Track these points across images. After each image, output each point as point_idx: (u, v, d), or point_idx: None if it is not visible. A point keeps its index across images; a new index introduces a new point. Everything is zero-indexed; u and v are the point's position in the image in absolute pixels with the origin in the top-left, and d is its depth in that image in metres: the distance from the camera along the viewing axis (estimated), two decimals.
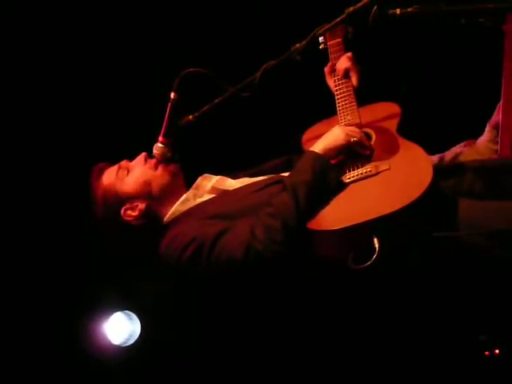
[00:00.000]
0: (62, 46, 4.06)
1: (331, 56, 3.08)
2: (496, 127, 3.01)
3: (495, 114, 3.05)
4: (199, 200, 2.80)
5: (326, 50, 3.09)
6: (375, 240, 2.31)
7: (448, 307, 3.66)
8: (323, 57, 3.09)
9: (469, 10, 2.50)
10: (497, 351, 3.93)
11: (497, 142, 3.01)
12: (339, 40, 3.08)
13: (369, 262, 2.29)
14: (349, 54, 3.01)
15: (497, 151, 3.00)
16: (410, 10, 2.43)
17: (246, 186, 2.79)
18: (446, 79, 3.93)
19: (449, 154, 3.08)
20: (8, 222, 4.15)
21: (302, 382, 4.40)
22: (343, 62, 2.99)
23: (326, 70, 3.09)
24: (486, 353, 3.96)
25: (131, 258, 3.83)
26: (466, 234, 2.40)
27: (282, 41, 2.73)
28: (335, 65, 3.04)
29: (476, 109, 3.56)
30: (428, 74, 3.91)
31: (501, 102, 2.96)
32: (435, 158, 3.03)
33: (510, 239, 2.37)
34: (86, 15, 4.03)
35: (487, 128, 3.11)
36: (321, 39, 3.05)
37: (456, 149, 3.12)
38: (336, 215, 2.41)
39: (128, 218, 2.80)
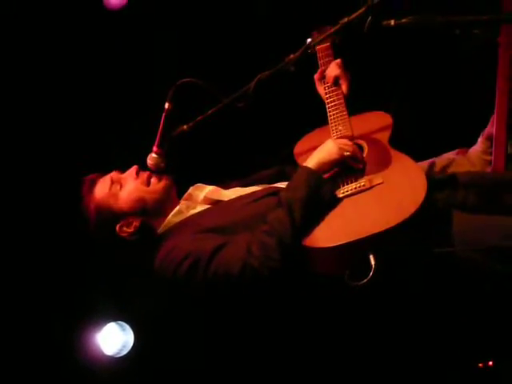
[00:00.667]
0: (54, 57, 4.06)
1: (320, 62, 3.07)
2: (489, 138, 3.01)
3: (489, 125, 3.05)
4: (192, 211, 2.80)
5: (314, 54, 3.07)
6: (371, 257, 2.30)
7: (443, 321, 3.65)
8: (316, 67, 3.09)
9: (463, 21, 2.50)
10: (490, 363, 3.92)
11: (489, 153, 3.00)
12: (328, 44, 3.07)
13: (365, 280, 2.29)
14: (338, 60, 3.01)
15: (490, 162, 2.99)
16: (404, 20, 2.43)
17: (240, 197, 2.79)
18: (440, 89, 3.94)
19: (440, 160, 3.06)
20: (1, 232, 4.14)
21: None
22: (333, 69, 2.99)
23: (316, 76, 3.08)
24: (480, 365, 3.95)
25: (124, 269, 3.82)
26: (462, 249, 2.39)
27: (276, 51, 2.73)
28: (325, 71, 3.03)
29: (469, 118, 3.57)
30: (422, 83, 3.91)
31: (494, 114, 2.95)
32: (425, 163, 3.02)
33: (504, 254, 2.37)
34: (78, 28, 4.04)
35: (480, 139, 3.10)
36: (308, 41, 3.03)
37: (448, 155, 3.11)
38: (331, 232, 2.40)
39: (123, 234, 2.79)
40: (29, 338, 4.20)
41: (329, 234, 2.39)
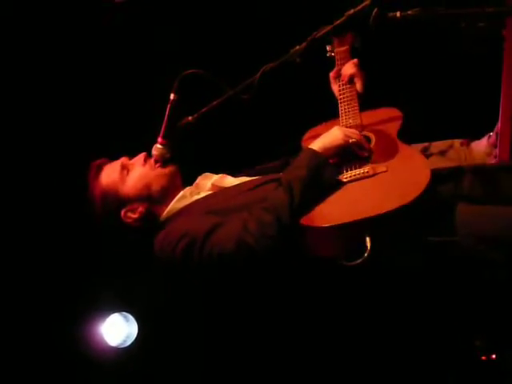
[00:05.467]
0: (61, 44, 4.05)
1: (337, 62, 3.12)
2: (495, 145, 2.98)
3: (494, 133, 3.02)
4: (196, 197, 2.82)
5: (332, 57, 3.12)
6: (367, 239, 2.31)
7: (443, 311, 3.65)
8: (323, 60, 3.10)
9: (469, 13, 2.50)
10: (493, 356, 3.92)
11: (493, 158, 2.98)
12: (347, 47, 3.11)
13: (359, 260, 2.31)
14: (355, 60, 3.05)
15: (495, 157, 2.98)
16: (410, 12, 2.45)
17: (242, 183, 2.81)
18: (445, 83, 3.94)
19: (438, 144, 3.05)
20: (5, 223, 4.14)
21: (297, 381, 4.39)
22: (348, 68, 3.02)
23: (332, 75, 3.12)
24: (483, 357, 3.95)
25: (128, 259, 3.83)
26: (462, 239, 2.40)
27: (281, 43, 2.73)
28: (340, 70, 3.06)
29: (473, 111, 3.57)
30: (427, 76, 3.91)
31: (499, 109, 2.94)
32: (419, 146, 3.01)
33: (506, 244, 2.37)
34: (84, 16, 4.03)
35: (486, 142, 3.07)
36: (328, 48, 3.11)
37: (447, 141, 3.10)
38: (330, 212, 2.42)
39: (128, 220, 2.81)
40: (33, 329, 4.21)
41: (327, 213, 2.41)
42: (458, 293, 2.81)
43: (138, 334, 4.48)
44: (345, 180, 2.51)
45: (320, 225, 2.39)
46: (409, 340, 4.06)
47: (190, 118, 2.88)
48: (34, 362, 4.21)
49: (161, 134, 2.83)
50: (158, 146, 2.83)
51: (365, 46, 3.06)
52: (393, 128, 2.75)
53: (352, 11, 2.53)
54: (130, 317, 4.50)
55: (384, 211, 2.32)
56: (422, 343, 4.04)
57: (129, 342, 4.48)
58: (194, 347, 4.43)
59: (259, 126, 4.19)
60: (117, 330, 4.46)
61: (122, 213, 2.81)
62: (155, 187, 2.82)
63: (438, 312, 3.61)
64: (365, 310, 3.96)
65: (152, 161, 2.85)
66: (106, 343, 4.41)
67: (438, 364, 4.03)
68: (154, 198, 2.81)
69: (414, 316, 3.81)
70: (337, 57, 3.13)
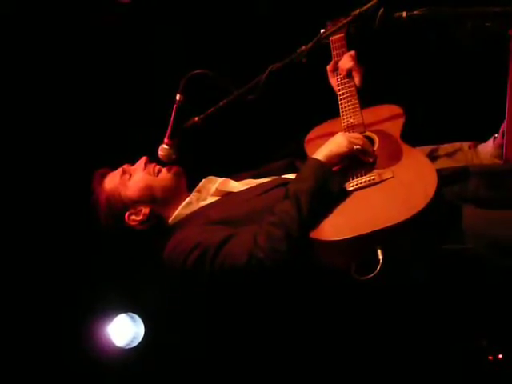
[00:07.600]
0: (62, 49, 4.06)
1: (333, 52, 3.07)
2: (501, 147, 2.97)
3: (499, 135, 3.01)
4: (203, 203, 2.81)
5: (327, 45, 3.06)
6: (379, 251, 2.29)
7: (451, 314, 3.65)
8: (328, 59, 3.08)
9: (475, 13, 2.50)
10: (500, 356, 3.92)
11: (500, 159, 2.97)
12: (341, 35, 3.06)
13: (373, 274, 2.29)
14: (352, 52, 3.00)
15: (501, 157, 2.97)
16: (416, 12, 2.44)
17: (249, 188, 2.80)
18: (450, 83, 3.93)
19: (445, 147, 3.03)
20: (11, 225, 4.15)
21: None
22: (346, 62, 2.98)
23: (329, 68, 3.07)
24: (490, 357, 3.95)
25: (135, 260, 3.83)
26: (475, 246, 2.38)
27: (287, 43, 2.73)
28: (338, 63, 3.03)
29: (480, 112, 3.56)
30: (433, 76, 3.90)
31: (506, 109, 2.93)
32: (427, 148, 2.99)
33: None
34: (87, 17, 4.03)
35: (492, 144, 3.06)
36: (322, 32, 3.01)
37: (455, 143, 3.08)
38: (339, 225, 2.39)
39: (132, 223, 2.82)
40: (40, 331, 4.22)
41: (336, 226, 2.38)
42: (466, 294, 2.80)
43: (145, 334, 4.49)
44: (351, 188, 2.48)
45: (330, 238, 2.37)
46: (417, 342, 4.06)
47: (196, 118, 2.88)
48: (42, 363, 4.21)
49: (167, 135, 2.83)
50: (165, 146, 2.84)
51: (360, 35, 3.02)
52: (395, 127, 2.71)
53: (358, 11, 2.52)
54: (137, 317, 4.51)
55: (393, 223, 2.29)
56: (429, 343, 4.04)
57: (135, 343, 4.48)
58: (200, 347, 4.43)
59: (265, 125, 4.19)
60: (123, 330, 4.46)
61: (126, 216, 2.82)
62: (157, 188, 2.83)
63: (446, 315, 3.61)
64: (372, 317, 3.96)
65: (152, 165, 2.87)
66: (113, 344, 4.42)
67: (445, 364, 4.04)
68: (157, 200, 2.83)
69: (421, 320, 3.81)
70: (332, 46, 3.08)
